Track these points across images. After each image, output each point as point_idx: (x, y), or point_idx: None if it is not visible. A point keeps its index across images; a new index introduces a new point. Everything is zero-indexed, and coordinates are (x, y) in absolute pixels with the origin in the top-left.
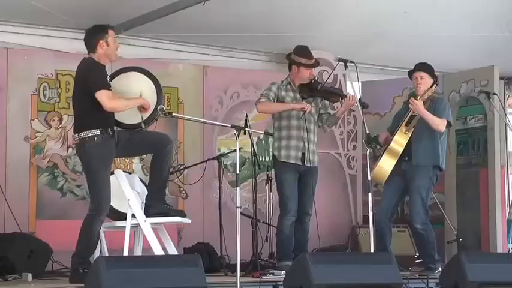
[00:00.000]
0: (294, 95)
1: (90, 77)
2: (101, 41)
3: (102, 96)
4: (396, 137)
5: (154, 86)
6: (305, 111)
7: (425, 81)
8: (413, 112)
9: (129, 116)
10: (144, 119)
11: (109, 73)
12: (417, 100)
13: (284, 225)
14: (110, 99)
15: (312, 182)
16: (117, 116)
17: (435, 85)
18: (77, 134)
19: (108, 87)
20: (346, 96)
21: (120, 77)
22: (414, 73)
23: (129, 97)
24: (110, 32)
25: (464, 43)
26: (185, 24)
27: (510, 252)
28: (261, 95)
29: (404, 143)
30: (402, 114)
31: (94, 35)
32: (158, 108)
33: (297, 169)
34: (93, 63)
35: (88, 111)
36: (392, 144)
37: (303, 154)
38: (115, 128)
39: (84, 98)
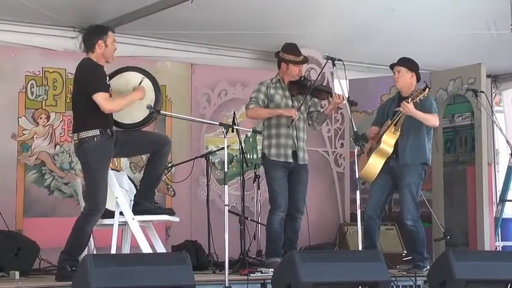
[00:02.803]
0: (284, 93)
1: (89, 79)
2: (100, 41)
3: (99, 98)
4: (385, 137)
5: (152, 86)
6: (293, 119)
7: (402, 75)
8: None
9: (127, 116)
10: (137, 121)
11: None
12: (408, 103)
13: (274, 220)
14: (107, 101)
15: (304, 179)
16: (116, 116)
17: (428, 89)
18: (76, 134)
19: (105, 89)
20: (334, 93)
21: (119, 77)
22: (393, 67)
23: (124, 96)
24: (110, 33)
25: (452, 41)
26: (173, 21)
27: (497, 250)
28: (250, 99)
29: (393, 142)
30: (386, 107)
31: (94, 35)
32: (146, 106)
33: (286, 166)
34: (91, 64)
35: (88, 112)
36: (382, 146)
37: (294, 152)
38: (113, 128)
39: (84, 99)
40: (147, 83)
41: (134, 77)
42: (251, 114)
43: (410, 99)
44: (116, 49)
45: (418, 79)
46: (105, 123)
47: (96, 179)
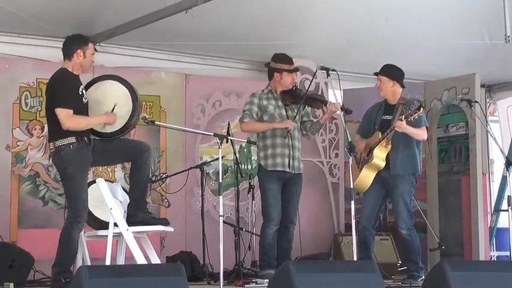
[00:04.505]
0: (276, 103)
1: (58, 91)
2: (79, 51)
3: (60, 114)
4: (377, 151)
5: (129, 94)
6: (289, 130)
7: (383, 84)
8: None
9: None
10: (120, 127)
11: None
12: (402, 121)
13: (267, 233)
14: (66, 119)
15: (297, 189)
16: None
17: (422, 108)
18: (52, 143)
19: (69, 104)
20: (328, 102)
21: (97, 86)
22: (376, 76)
23: (91, 116)
24: (91, 45)
25: (446, 51)
26: (167, 32)
27: (492, 260)
28: (244, 112)
29: (385, 156)
30: (373, 115)
31: (75, 43)
32: (140, 116)
33: (282, 177)
34: (64, 75)
35: None
36: (375, 160)
37: (289, 161)
38: (91, 136)
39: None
40: (125, 93)
41: (111, 86)
42: (246, 128)
43: (403, 117)
44: (93, 62)
45: (403, 86)
46: (81, 131)
47: (75, 186)
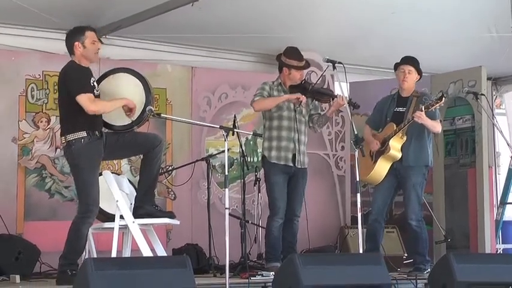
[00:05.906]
0: None
1: (71, 81)
2: (76, 43)
3: (82, 99)
4: (393, 143)
5: (143, 87)
6: (301, 101)
7: (411, 75)
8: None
9: (119, 118)
10: (133, 120)
11: (97, 75)
12: (422, 111)
13: (272, 226)
14: (90, 103)
15: (302, 183)
16: (106, 118)
17: (444, 98)
18: (63, 137)
19: (88, 90)
20: (336, 96)
21: (109, 78)
22: (402, 66)
23: (111, 99)
24: (88, 33)
25: (452, 44)
26: (173, 25)
27: (498, 252)
28: (255, 95)
29: (400, 147)
30: (385, 107)
31: (72, 37)
32: (147, 109)
33: (286, 170)
34: (73, 66)
35: (73, 114)
36: (391, 151)
37: (294, 155)
38: (103, 129)
39: (68, 101)
40: (138, 86)
41: (125, 78)
42: (258, 106)
43: (424, 107)
44: (98, 48)
45: (419, 79)
46: (93, 125)
47: (85, 181)
